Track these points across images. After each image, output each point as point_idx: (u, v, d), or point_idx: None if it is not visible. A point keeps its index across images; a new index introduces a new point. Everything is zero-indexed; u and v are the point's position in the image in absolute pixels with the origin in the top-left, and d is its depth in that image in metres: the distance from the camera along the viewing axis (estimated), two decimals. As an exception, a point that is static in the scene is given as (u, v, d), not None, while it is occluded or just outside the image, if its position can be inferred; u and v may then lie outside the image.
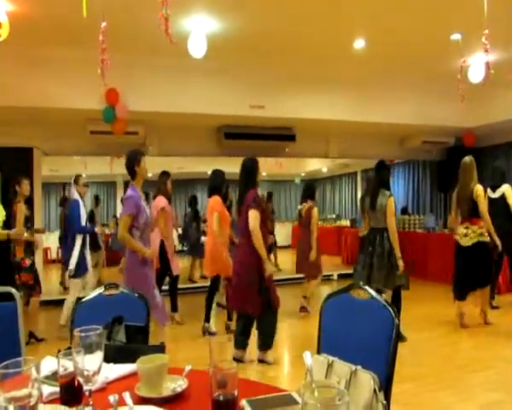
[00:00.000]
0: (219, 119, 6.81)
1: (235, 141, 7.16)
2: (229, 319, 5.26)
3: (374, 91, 6.93)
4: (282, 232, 13.21)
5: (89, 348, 1.15)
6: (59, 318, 5.15)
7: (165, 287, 5.64)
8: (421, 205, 10.52)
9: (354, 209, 13.93)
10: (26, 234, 4.80)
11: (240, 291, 4.12)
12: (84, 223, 5.21)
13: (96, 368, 1.16)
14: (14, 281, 4.67)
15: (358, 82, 6.78)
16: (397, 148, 8.74)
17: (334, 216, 14.31)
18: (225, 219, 5.14)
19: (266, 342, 4.15)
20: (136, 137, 6.55)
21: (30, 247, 4.96)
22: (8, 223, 4.63)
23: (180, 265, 5.97)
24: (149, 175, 4.24)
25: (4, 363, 0.99)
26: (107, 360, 1.27)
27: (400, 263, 4.50)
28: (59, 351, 1.22)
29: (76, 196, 5.26)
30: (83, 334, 1.16)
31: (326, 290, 6.79)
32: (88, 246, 5.32)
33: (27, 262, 4.87)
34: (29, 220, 4.97)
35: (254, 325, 4.22)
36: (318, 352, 1.77)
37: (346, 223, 12.83)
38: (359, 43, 5.50)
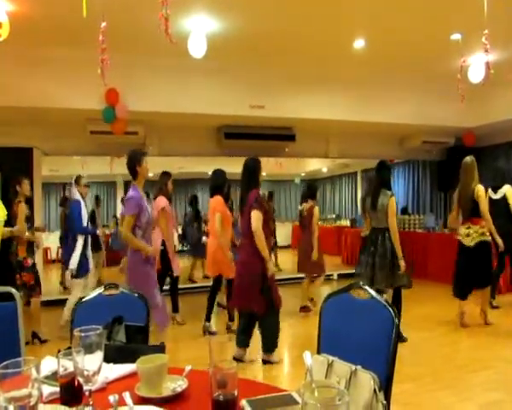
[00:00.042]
0: (219, 119, 6.81)
1: (235, 141, 7.16)
2: (230, 319, 5.26)
3: (374, 91, 6.93)
4: (282, 232, 13.20)
5: (89, 348, 1.15)
6: (59, 318, 5.15)
7: (165, 287, 5.64)
8: (421, 205, 10.52)
9: (354, 209, 13.93)
10: (27, 234, 4.80)
11: (242, 291, 4.12)
12: (85, 223, 5.20)
13: (95, 368, 1.16)
14: (14, 281, 4.67)
15: (358, 82, 6.78)
16: (397, 148, 8.74)
17: (334, 216, 14.31)
18: (227, 220, 5.15)
19: (270, 345, 4.14)
20: (136, 137, 6.55)
21: (31, 247, 4.96)
22: (10, 223, 4.63)
23: (180, 265, 5.97)
24: (150, 175, 4.24)
25: (4, 363, 0.99)
26: (107, 360, 1.27)
27: (402, 263, 4.50)
28: (59, 351, 1.22)
29: (77, 196, 5.24)
30: (83, 334, 1.16)
31: (326, 290, 6.79)
32: (90, 247, 5.31)
33: (29, 262, 4.87)
34: (29, 220, 4.97)
35: (256, 325, 4.22)
36: (318, 352, 1.77)
37: (346, 223, 12.83)
38: (359, 43, 5.50)
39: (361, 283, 1.78)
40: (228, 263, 5.06)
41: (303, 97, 6.65)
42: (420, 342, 4.75)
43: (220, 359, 1.23)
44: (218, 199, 5.09)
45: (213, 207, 5.09)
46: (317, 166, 13.63)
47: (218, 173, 5.30)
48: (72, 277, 5.19)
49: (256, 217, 3.97)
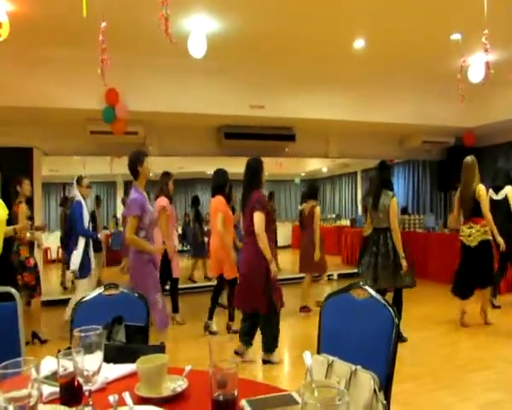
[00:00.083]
0: (219, 119, 6.81)
1: (235, 141, 7.16)
2: (231, 319, 5.26)
3: (374, 91, 6.93)
4: (282, 232, 13.19)
5: (88, 348, 1.15)
6: (59, 318, 5.15)
7: (165, 287, 5.64)
8: (421, 205, 10.51)
9: (354, 209, 13.93)
10: (28, 234, 4.80)
11: (246, 291, 4.14)
12: (87, 225, 5.18)
13: (95, 368, 1.16)
14: (15, 281, 4.67)
15: (358, 82, 6.78)
16: (397, 148, 8.74)
17: (334, 216, 14.31)
18: (229, 220, 5.16)
19: (270, 344, 4.15)
20: (136, 137, 6.55)
21: (33, 247, 4.96)
22: (10, 223, 4.63)
23: (180, 264, 5.96)
24: (150, 175, 4.23)
25: (4, 363, 0.99)
26: (106, 360, 1.27)
27: (404, 263, 4.52)
28: (59, 351, 1.22)
29: (79, 197, 5.21)
30: (82, 334, 1.16)
31: (326, 290, 6.80)
32: (92, 247, 5.31)
33: (32, 262, 4.87)
34: (30, 220, 4.96)
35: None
36: (318, 352, 1.77)
37: (346, 223, 12.82)
38: (359, 43, 5.50)
39: (361, 283, 1.78)
40: (230, 263, 5.08)
41: (303, 97, 6.65)
42: (420, 341, 4.76)
43: (220, 359, 1.23)
44: (220, 199, 5.10)
45: (215, 208, 5.10)
46: (317, 166, 13.63)
47: (220, 173, 5.30)
48: (76, 277, 5.18)
49: (259, 219, 3.98)
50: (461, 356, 4.41)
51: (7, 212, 4.27)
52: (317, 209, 6.06)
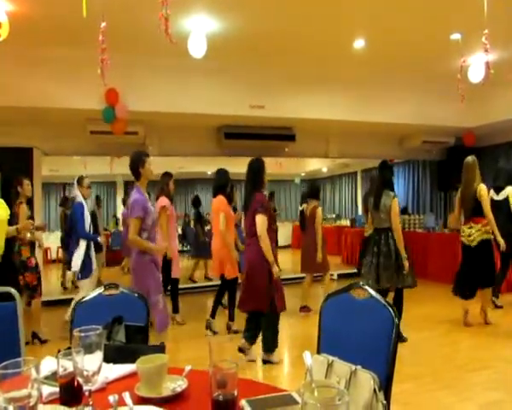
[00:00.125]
0: (219, 119, 6.81)
1: (235, 141, 7.17)
2: (231, 319, 5.27)
3: (374, 91, 6.93)
4: (283, 232, 13.21)
5: (88, 348, 1.14)
6: (59, 318, 5.16)
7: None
8: (421, 205, 10.52)
9: (354, 209, 13.94)
10: (28, 235, 4.80)
11: (249, 291, 4.17)
12: (87, 226, 5.16)
13: (95, 368, 1.16)
14: (17, 282, 4.66)
15: (358, 82, 6.78)
16: (397, 148, 8.74)
17: (334, 216, 14.32)
18: (231, 220, 5.18)
19: (270, 344, 4.16)
20: (136, 137, 6.56)
21: (34, 247, 4.96)
22: (11, 224, 4.62)
23: (180, 264, 5.97)
24: (152, 176, 4.22)
25: (4, 363, 0.99)
26: (106, 360, 1.27)
27: (406, 263, 4.53)
28: (59, 351, 1.22)
29: (80, 198, 5.19)
30: (82, 334, 1.16)
31: (319, 290, 6.80)
32: (93, 248, 5.31)
33: (33, 261, 4.87)
34: (31, 220, 4.95)
35: None
36: (318, 352, 1.77)
37: (346, 223, 12.84)
38: (359, 43, 5.50)
39: (361, 282, 1.78)
40: (232, 263, 5.09)
41: (303, 97, 6.66)
42: (420, 341, 4.75)
43: (220, 359, 1.23)
44: (221, 199, 5.11)
45: (217, 208, 5.11)
46: (317, 166, 13.64)
47: (222, 173, 5.32)
48: (78, 278, 5.18)
49: (261, 221, 4.00)
50: (461, 356, 4.41)
51: (8, 212, 4.26)
52: (319, 210, 6.07)
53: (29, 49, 5.27)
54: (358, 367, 1.47)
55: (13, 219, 4.64)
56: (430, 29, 5.12)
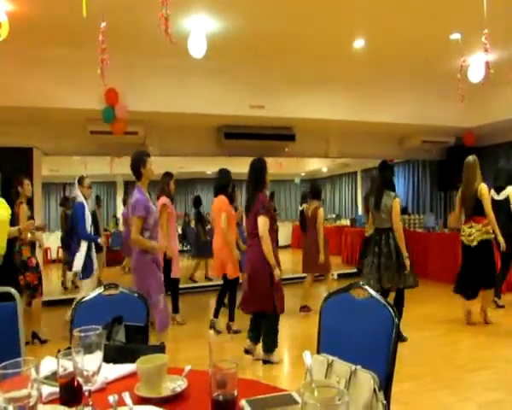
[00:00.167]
0: (219, 119, 6.81)
1: (235, 141, 7.16)
2: (231, 319, 5.27)
3: (374, 91, 6.93)
4: (283, 232, 13.21)
5: (88, 349, 1.15)
6: (59, 318, 5.16)
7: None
8: (421, 204, 10.52)
9: (354, 209, 13.94)
10: (29, 234, 4.80)
11: (251, 292, 4.18)
12: (89, 226, 5.16)
13: (95, 368, 1.16)
14: (17, 282, 4.66)
15: (358, 82, 6.78)
16: (397, 147, 8.74)
17: (334, 216, 14.32)
18: (232, 219, 5.19)
19: (270, 344, 4.18)
20: (135, 137, 6.56)
21: (34, 246, 4.95)
22: (11, 224, 4.62)
23: (180, 264, 5.97)
24: (153, 176, 4.22)
25: (4, 363, 0.99)
26: (106, 360, 1.27)
27: (407, 262, 4.54)
28: (58, 351, 1.22)
29: (81, 198, 5.17)
30: (82, 334, 1.16)
31: (322, 290, 6.80)
32: (94, 249, 5.31)
33: (34, 261, 4.87)
34: (32, 220, 4.95)
35: None
36: (318, 352, 1.77)
37: (346, 222, 12.83)
38: (359, 43, 5.50)
39: (361, 282, 1.78)
40: (233, 263, 5.11)
41: (303, 97, 6.65)
42: (420, 341, 4.76)
43: (220, 359, 1.23)
44: (223, 199, 5.12)
45: (218, 207, 5.12)
46: (317, 165, 13.64)
47: (223, 173, 5.33)
48: (79, 278, 5.17)
49: (263, 223, 4.01)
50: (461, 356, 4.40)
51: (9, 212, 4.26)
52: (321, 210, 6.07)
53: (29, 49, 5.27)
54: (358, 367, 1.47)
55: (13, 220, 4.63)
56: (430, 29, 5.12)
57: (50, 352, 1.59)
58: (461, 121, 7.62)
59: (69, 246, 6.65)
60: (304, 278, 6.42)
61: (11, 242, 4.65)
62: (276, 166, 10.36)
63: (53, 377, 1.34)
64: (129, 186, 13.88)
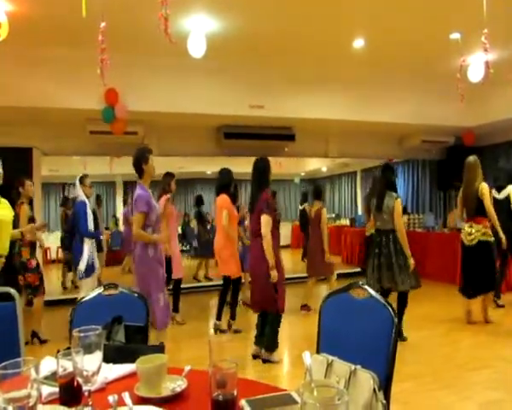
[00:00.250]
0: (219, 119, 6.81)
1: (234, 141, 7.17)
2: (232, 318, 5.28)
3: (373, 91, 6.93)
4: (282, 232, 13.12)
5: (88, 349, 1.14)
6: (59, 318, 5.15)
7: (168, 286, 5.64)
8: (420, 204, 10.52)
9: (354, 208, 13.94)
10: (28, 234, 4.78)
11: (255, 292, 4.23)
12: (91, 225, 5.15)
13: (95, 368, 1.16)
14: (16, 282, 4.66)
15: (358, 82, 6.78)
16: (396, 147, 8.74)
17: (333, 215, 14.32)
18: (234, 218, 5.20)
19: (272, 343, 4.19)
20: (135, 137, 6.55)
21: (34, 247, 4.95)
22: (13, 225, 4.61)
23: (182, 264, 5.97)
24: (155, 173, 4.21)
25: (3, 364, 0.99)
26: (106, 360, 1.27)
27: (411, 261, 4.55)
28: (58, 351, 1.22)
29: (83, 197, 5.14)
30: (82, 334, 1.16)
31: (324, 290, 6.80)
32: (95, 248, 5.30)
33: (33, 263, 4.86)
34: (32, 222, 4.93)
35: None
36: (318, 351, 1.77)
37: (345, 222, 12.83)
38: (359, 43, 5.51)
39: (360, 282, 1.78)
40: (235, 262, 5.13)
41: (302, 97, 6.65)
42: (420, 341, 4.75)
43: (220, 359, 1.23)
44: (225, 197, 5.14)
45: (220, 206, 5.14)
46: (317, 165, 13.64)
47: (225, 173, 5.34)
48: (81, 277, 5.15)
49: (266, 221, 4.02)
50: (461, 355, 4.40)
51: (12, 213, 4.25)
52: (324, 211, 6.08)
53: (29, 49, 5.27)
54: (358, 367, 1.47)
55: (14, 220, 4.62)
56: (430, 29, 5.12)
57: (50, 352, 1.59)
58: (460, 121, 7.62)
59: (69, 246, 6.64)
60: (303, 277, 6.42)
61: (11, 243, 4.63)
62: (276, 166, 10.33)
63: (53, 377, 1.33)
64: (128, 186, 13.90)
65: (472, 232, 5.06)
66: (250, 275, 4.32)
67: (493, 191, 5.83)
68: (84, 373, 1.14)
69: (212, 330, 5.33)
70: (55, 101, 5.60)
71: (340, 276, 8.82)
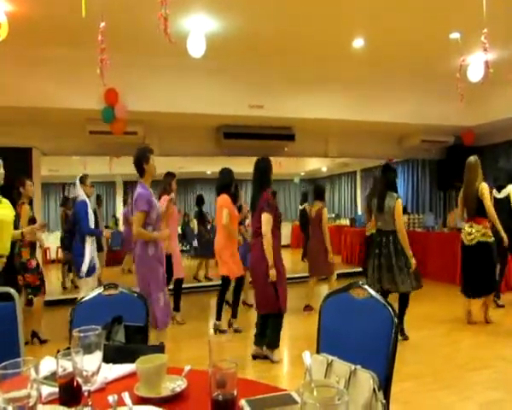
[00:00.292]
0: (219, 118, 6.81)
1: (234, 141, 7.16)
2: (234, 316, 5.29)
3: (373, 91, 6.93)
4: (282, 232, 13.20)
5: (88, 349, 1.14)
6: (59, 318, 5.14)
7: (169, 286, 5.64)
8: (420, 204, 10.52)
9: (354, 208, 13.94)
10: (28, 234, 4.78)
11: (258, 293, 4.24)
12: (92, 224, 5.15)
13: (95, 368, 1.16)
14: (16, 282, 4.66)
15: (358, 81, 6.78)
16: (396, 147, 8.74)
17: (333, 215, 14.32)
18: (234, 217, 5.20)
19: (273, 341, 4.22)
20: (135, 137, 6.55)
21: (34, 248, 4.95)
22: (14, 225, 4.61)
23: (182, 264, 5.97)
24: (156, 172, 4.22)
25: (3, 364, 0.99)
26: (106, 360, 1.26)
27: (412, 261, 4.56)
28: (58, 351, 1.22)
29: (83, 196, 5.13)
30: (82, 334, 1.16)
31: (325, 289, 6.80)
32: (96, 247, 5.30)
33: (33, 263, 4.86)
34: (33, 222, 4.93)
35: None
36: (318, 351, 1.77)
37: (345, 222, 12.83)
38: (358, 43, 5.50)
39: (360, 282, 1.78)
40: (235, 262, 5.13)
41: (302, 97, 6.65)
42: (420, 341, 4.75)
43: (220, 358, 1.23)
44: (225, 197, 5.15)
45: (220, 205, 5.14)
46: (317, 165, 13.63)
47: (226, 173, 5.34)
48: (81, 277, 5.13)
49: (266, 220, 4.02)
50: (461, 355, 4.40)
51: (14, 213, 4.25)
52: (325, 211, 6.08)
53: (29, 49, 5.27)
54: (358, 367, 1.47)
55: (15, 221, 4.62)
56: (429, 28, 5.12)
57: (50, 352, 1.59)
58: (460, 120, 7.62)
59: (69, 246, 6.63)
60: (306, 277, 6.42)
61: (12, 243, 4.62)
62: (276, 166, 10.33)
63: (52, 377, 1.33)
64: (128, 186, 13.90)
65: (472, 232, 5.07)
66: (251, 275, 4.32)
67: (494, 191, 5.84)
68: (84, 373, 1.14)
69: (211, 330, 5.34)
70: (54, 101, 5.60)
71: (340, 276, 8.82)
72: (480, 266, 5.04)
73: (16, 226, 4.58)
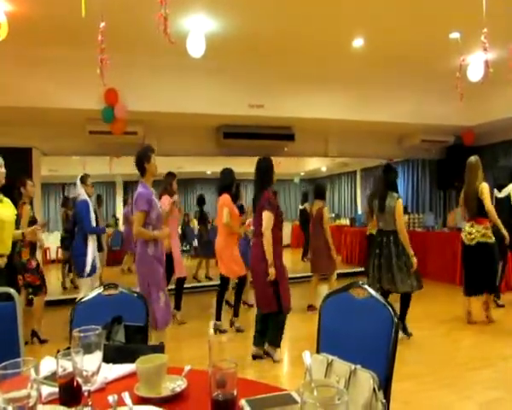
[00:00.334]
0: (218, 118, 6.81)
1: (234, 140, 7.16)
2: (235, 315, 5.30)
3: (373, 90, 6.93)
4: (283, 232, 13.22)
5: (88, 349, 1.14)
6: (58, 318, 5.14)
7: (170, 286, 5.63)
8: (420, 204, 10.52)
9: (353, 208, 13.93)
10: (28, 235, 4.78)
11: (258, 292, 4.24)
12: (94, 223, 5.15)
13: (95, 368, 1.16)
14: (15, 282, 4.66)
15: (357, 81, 6.78)
16: (396, 147, 8.75)
17: (333, 215, 14.31)
18: (235, 217, 5.20)
19: (274, 338, 4.23)
20: (135, 137, 6.55)
21: (34, 248, 4.95)
22: (15, 224, 4.60)
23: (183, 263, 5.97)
24: (157, 172, 4.22)
25: (3, 364, 0.99)
26: (106, 360, 1.26)
27: (414, 260, 4.56)
28: (58, 351, 1.22)
29: (84, 196, 5.13)
30: (82, 334, 1.16)
31: (325, 289, 6.80)
32: (96, 247, 5.30)
33: (33, 264, 4.86)
34: (34, 222, 4.92)
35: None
36: (318, 351, 1.77)
37: (345, 222, 12.82)
38: (358, 42, 5.50)
39: (360, 282, 1.78)
40: (236, 261, 5.14)
41: (302, 97, 6.65)
42: (420, 340, 4.75)
43: (220, 358, 1.23)
44: (226, 197, 5.16)
45: (221, 204, 5.15)
46: (317, 165, 13.62)
47: (227, 173, 5.34)
48: (82, 276, 5.12)
49: (267, 218, 4.03)
50: (461, 355, 4.41)
51: (15, 213, 4.25)
52: (326, 210, 6.09)
53: (28, 49, 5.27)
54: (358, 367, 1.47)
55: (16, 221, 4.62)
56: (429, 28, 5.11)
57: (50, 352, 1.59)
58: (460, 120, 7.63)
59: (69, 246, 6.63)
60: (306, 277, 6.42)
61: (13, 243, 4.62)
62: (276, 166, 10.35)
63: (52, 377, 1.33)
64: (128, 186, 13.90)
65: (472, 232, 5.08)
66: (251, 274, 4.32)
67: (494, 190, 5.85)
68: (84, 373, 1.14)
69: (211, 330, 5.32)
70: (54, 101, 5.60)
71: (340, 276, 8.83)
72: (480, 267, 5.05)
73: (17, 227, 4.58)
